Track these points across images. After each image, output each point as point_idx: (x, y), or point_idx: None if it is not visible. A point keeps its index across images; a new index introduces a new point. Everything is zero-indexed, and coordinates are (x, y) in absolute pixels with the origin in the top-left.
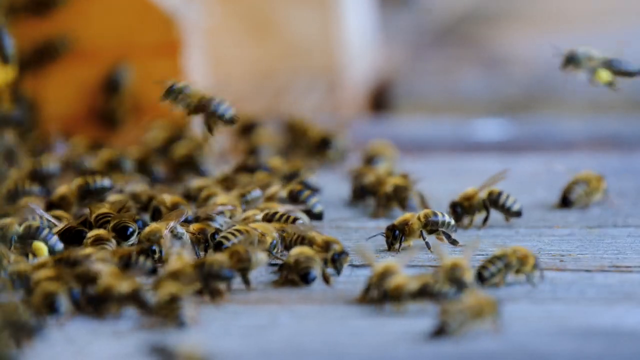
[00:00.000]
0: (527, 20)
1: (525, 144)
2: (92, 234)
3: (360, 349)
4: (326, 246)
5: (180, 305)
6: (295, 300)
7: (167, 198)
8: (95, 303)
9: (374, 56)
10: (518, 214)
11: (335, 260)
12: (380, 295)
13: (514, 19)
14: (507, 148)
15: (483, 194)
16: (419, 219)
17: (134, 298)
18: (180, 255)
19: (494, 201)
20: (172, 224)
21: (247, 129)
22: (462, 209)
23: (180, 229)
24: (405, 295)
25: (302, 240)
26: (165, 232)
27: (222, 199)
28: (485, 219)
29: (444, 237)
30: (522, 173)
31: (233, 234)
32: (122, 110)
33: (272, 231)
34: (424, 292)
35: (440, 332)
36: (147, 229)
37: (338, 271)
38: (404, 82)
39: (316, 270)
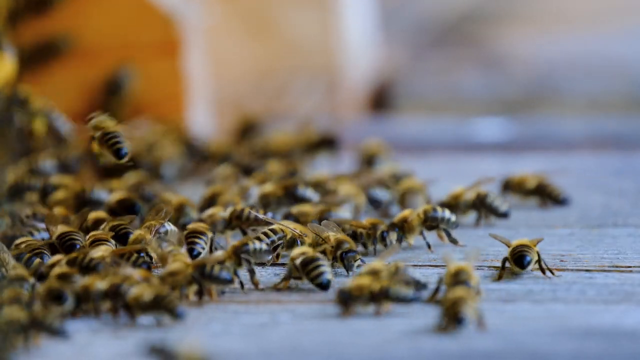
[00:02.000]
0: (527, 20)
1: (526, 144)
2: (92, 234)
3: (360, 349)
4: (337, 245)
5: (173, 299)
6: (295, 300)
7: (173, 198)
8: (77, 303)
9: (374, 56)
10: (505, 215)
11: (344, 258)
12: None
13: (514, 19)
14: (507, 148)
15: (445, 199)
16: (418, 215)
17: (114, 294)
18: (176, 255)
19: (481, 202)
20: (156, 227)
21: (247, 131)
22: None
23: (165, 227)
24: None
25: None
26: (150, 237)
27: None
28: (478, 219)
29: (444, 235)
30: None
31: (266, 234)
32: (122, 112)
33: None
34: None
35: (459, 323)
36: (132, 237)
37: (347, 269)
38: (404, 82)
39: (328, 274)
